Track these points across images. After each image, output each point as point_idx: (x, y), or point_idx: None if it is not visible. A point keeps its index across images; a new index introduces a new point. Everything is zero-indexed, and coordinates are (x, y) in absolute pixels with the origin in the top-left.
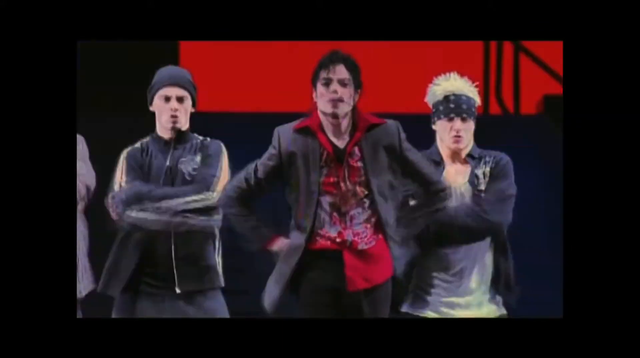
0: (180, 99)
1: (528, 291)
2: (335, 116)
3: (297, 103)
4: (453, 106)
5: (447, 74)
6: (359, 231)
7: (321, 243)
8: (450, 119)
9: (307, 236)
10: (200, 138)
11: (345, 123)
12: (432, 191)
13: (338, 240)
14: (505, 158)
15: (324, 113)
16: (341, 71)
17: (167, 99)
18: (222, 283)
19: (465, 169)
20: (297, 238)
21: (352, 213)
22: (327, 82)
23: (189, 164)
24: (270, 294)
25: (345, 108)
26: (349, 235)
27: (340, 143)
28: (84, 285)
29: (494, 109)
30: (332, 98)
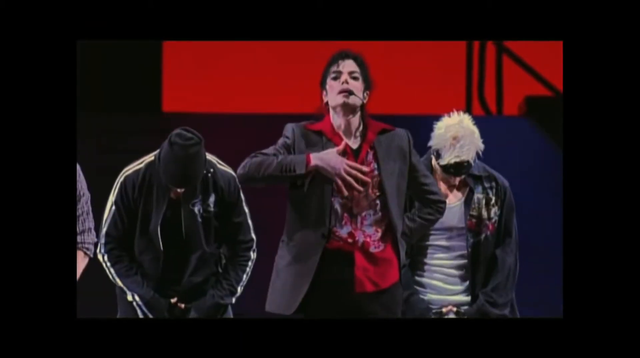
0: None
1: (528, 291)
2: (346, 106)
3: (284, 104)
4: (453, 171)
5: (455, 113)
6: (370, 233)
7: (333, 243)
8: (449, 174)
9: (327, 233)
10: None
11: (355, 122)
12: (430, 201)
13: (349, 240)
14: (507, 185)
15: (335, 108)
16: (350, 65)
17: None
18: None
19: (460, 192)
20: (312, 236)
21: (363, 214)
22: (337, 76)
23: (201, 205)
24: (288, 295)
25: (356, 100)
26: (359, 236)
27: (353, 144)
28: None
29: (477, 110)
30: (343, 89)
